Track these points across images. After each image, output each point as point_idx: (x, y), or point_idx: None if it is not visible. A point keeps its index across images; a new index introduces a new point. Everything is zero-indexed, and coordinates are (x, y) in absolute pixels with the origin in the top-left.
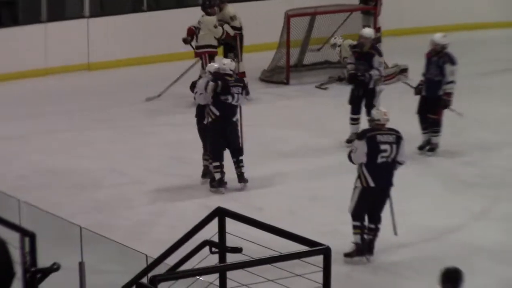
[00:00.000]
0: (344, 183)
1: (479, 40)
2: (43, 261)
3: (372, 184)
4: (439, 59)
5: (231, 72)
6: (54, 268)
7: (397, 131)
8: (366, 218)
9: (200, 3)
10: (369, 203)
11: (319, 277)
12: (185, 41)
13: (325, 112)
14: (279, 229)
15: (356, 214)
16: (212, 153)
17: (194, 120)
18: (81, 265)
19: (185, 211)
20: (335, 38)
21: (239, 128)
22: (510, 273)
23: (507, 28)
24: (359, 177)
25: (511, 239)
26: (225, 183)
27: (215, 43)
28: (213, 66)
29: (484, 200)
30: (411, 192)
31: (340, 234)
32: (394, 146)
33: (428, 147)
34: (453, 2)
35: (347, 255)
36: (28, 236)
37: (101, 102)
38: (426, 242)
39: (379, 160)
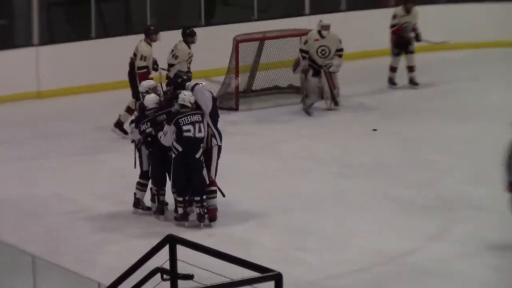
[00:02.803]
0: (294, 208)
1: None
2: None
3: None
4: None
5: (189, 105)
6: None
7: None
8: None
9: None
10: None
11: None
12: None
13: (276, 137)
14: (230, 255)
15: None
16: (175, 188)
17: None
18: None
19: (135, 238)
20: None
21: (203, 165)
22: None
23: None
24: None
25: (466, 261)
26: (188, 216)
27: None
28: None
29: (438, 223)
30: (364, 214)
31: (292, 259)
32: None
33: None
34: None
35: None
36: None
37: (51, 130)
38: (379, 265)
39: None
